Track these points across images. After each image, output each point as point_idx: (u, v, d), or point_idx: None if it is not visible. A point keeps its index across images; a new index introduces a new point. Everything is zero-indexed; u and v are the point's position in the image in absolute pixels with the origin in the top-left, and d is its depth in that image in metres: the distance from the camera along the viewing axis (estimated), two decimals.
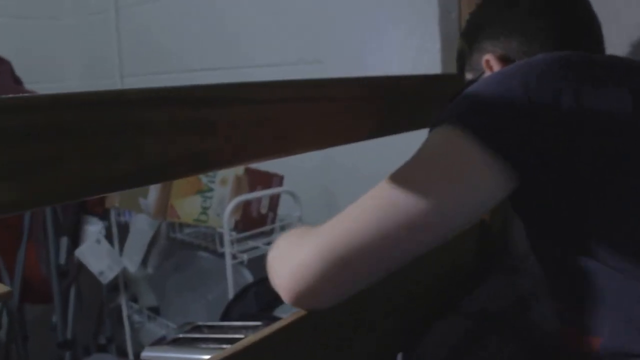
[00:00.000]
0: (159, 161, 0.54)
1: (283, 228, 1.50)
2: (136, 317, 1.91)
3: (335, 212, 1.56)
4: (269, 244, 1.46)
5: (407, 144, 1.16)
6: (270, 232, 1.49)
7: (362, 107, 0.86)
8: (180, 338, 1.13)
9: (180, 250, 1.71)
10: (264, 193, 1.46)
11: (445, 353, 0.90)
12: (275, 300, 1.39)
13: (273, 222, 1.50)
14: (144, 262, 1.73)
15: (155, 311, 1.85)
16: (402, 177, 0.58)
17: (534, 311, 0.96)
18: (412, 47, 1.29)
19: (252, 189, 1.45)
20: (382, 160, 1.25)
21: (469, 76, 0.84)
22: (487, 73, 0.77)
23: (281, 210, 1.53)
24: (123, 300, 1.91)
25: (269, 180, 1.47)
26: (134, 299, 1.93)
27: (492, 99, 0.58)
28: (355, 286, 0.59)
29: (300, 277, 0.58)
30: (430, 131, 0.62)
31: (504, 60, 0.76)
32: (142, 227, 1.67)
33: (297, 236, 0.66)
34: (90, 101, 0.48)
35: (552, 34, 0.76)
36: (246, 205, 1.43)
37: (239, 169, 1.46)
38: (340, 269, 0.57)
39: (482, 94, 0.60)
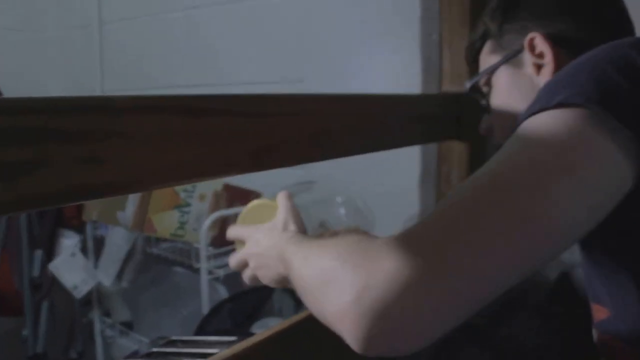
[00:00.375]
0: (146, 169, 0.54)
1: None
2: (108, 332, 1.89)
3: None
4: None
5: (384, 163, 1.19)
6: None
7: (342, 123, 0.88)
8: (153, 352, 1.13)
9: (156, 265, 1.70)
10: (241, 209, 1.47)
11: None
12: (250, 316, 1.39)
13: None
14: (119, 277, 1.72)
15: (128, 326, 1.84)
16: (515, 171, 0.46)
17: (510, 324, 0.99)
18: (393, 68, 1.33)
19: (229, 205, 1.46)
20: (359, 177, 1.28)
21: (494, 58, 0.79)
22: (527, 53, 0.72)
23: None
24: (96, 315, 1.89)
25: (247, 196, 1.49)
26: (107, 313, 1.92)
27: (616, 76, 0.49)
28: (455, 317, 0.43)
29: (378, 304, 0.41)
30: (530, 118, 0.50)
31: (555, 40, 0.71)
32: (118, 241, 1.66)
33: (354, 244, 0.48)
34: (79, 106, 0.49)
35: (609, 19, 0.73)
36: (223, 221, 1.44)
37: (218, 185, 1.47)
38: (443, 291, 0.41)
39: (602, 72, 0.50)
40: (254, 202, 0.85)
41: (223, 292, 1.51)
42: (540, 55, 0.71)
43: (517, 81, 0.75)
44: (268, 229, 0.74)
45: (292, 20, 1.52)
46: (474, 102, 1.23)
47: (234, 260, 0.79)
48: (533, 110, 0.50)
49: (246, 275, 0.77)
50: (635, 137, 0.45)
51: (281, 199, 0.78)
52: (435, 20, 1.27)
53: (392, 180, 1.30)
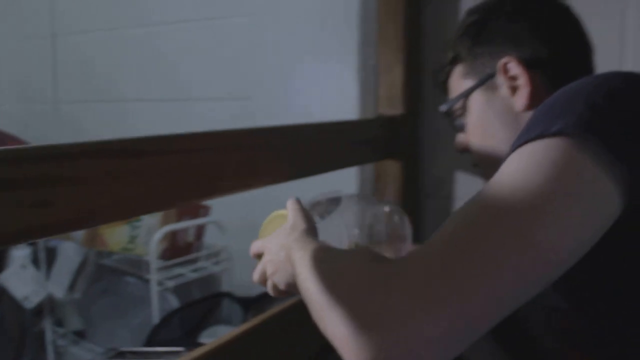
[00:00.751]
0: (92, 208, 0.60)
1: (209, 256, 1.58)
2: (60, 342, 1.91)
3: None
4: (195, 271, 1.53)
5: (325, 180, 1.27)
6: (196, 260, 1.56)
7: (280, 153, 0.95)
8: None
9: (108, 276, 1.74)
10: (190, 223, 1.53)
11: None
12: (199, 325, 1.45)
13: (199, 250, 1.58)
14: (71, 288, 1.75)
15: (80, 335, 1.86)
16: (517, 196, 0.47)
17: None
18: (334, 90, 1.41)
19: (179, 218, 1.52)
20: (304, 190, 1.34)
21: (467, 82, 0.81)
22: (501, 76, 0.75)
23: (207, 239, 1.60)
24: (47, 324, 1.90)
25: (196, 210, 1.55)
26: (59, 323, 1.93)
27: (610, 107, 0.51)
28: (460, 345, 0.43)
29: (382, 334, 0.42)
30: (523, 145, 0.52)
31: (528, 63, 0.73)
32: (70, 253, 1.69)
33: (362, 267, 0.50)
34: (27, 156, 0.54)
35: (577, 44, 0.77)
36: (173, 235, 1.49)
37: None
38: (447, 321, 0.42)
39: (597, 102, 0.51)
40: (270, 216, 0.82)
41: (174, 302, 1.56)
42: (514, 78, 0.74)
43: (492, 103, 0.77)
44: (277, 233, 0.72)
45: (243, 42, 1.58)
46: (406, 124, 1.33)
47: (255, 275, 0.76)
48: (530, 136, 0.51)
49: (268, 287, 0.74)
50: (625, 170, 0.48)
51: (290, 204, 0.76)
52: (372, 47, 1.36)
53: None
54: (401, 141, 1.32)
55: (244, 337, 0.95)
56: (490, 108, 0.77)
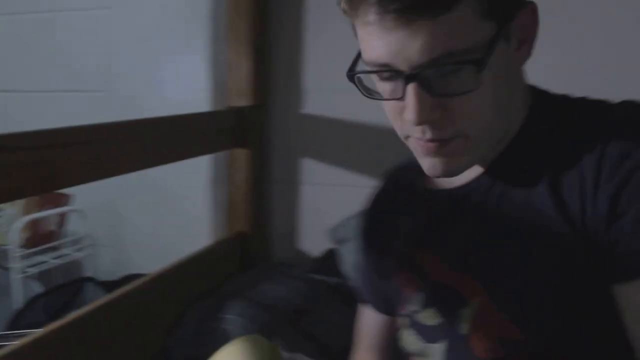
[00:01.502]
0: None
1: (71, 243, 1.64)
2: None
3: (121, 227, 1.74)
4: (57, 257, 1.59)
5: (180, 168, 1.37)
6: (59, 248, 1.61)
7: (135, 145, 1.05)
8: None
9: None
10: (52, 212, 1.58)
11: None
12: (62, 309, 1.51)
13: (61, 238, 1.63)
14: None
15: None
16: None
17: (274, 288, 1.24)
18: (187, 84, 1.51)
19: (41, 208, 1.56)
20: (164, 174, 1.43)
21: (489, 26, 0.53)
22: (519, 24, 0.56)
23: (70, 226, 1.66)
24: None
25: (58, 199, 1.59)
26: None
27: None
28: None
29: None
30: None
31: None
32: None
33: None
34: None
35: None
36: (35, 223, 1.54)
37: None
38: None
39: None
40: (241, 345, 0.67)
41: (38, 289, 1.60)
42: (527, 27, 0.58)
43: (508, 57, 0.56)
44: None
45: (102, 34, 1.63)
46: (255, 115, 1.46)
47: None
48: None
49: None
50: None
51: None
52: (223, 42, 1.47)
53: (188, 181, 1.49)
54: (250, 131, 1.46)
55: (95, 314, 1.02)
56: (507, 62, 0.56)
